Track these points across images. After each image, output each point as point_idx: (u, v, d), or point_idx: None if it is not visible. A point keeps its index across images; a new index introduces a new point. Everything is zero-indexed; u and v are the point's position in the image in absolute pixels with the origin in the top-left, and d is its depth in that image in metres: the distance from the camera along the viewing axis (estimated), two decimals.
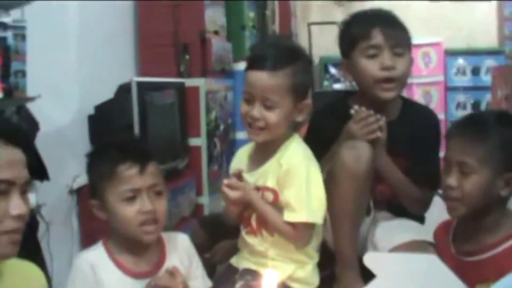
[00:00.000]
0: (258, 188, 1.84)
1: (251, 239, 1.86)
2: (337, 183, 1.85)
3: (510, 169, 1.77)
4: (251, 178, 1.86)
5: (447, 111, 6.15)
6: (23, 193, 1.37)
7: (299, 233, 1.78)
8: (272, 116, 1.77)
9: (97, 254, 1.72)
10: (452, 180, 1.79)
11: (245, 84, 1.84)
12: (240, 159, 1.96)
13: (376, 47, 1.99)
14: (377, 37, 1.99)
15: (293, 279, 1.82)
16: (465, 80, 6.20)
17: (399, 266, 1.47)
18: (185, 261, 1.78)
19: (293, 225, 1.77)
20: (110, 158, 1.69)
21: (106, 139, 2.72)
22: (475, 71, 6.19)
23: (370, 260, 1.51)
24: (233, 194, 1.81)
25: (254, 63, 1.81)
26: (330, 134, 2.00)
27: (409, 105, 2.16)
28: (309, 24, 5.63)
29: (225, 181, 1.84)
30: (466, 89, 6.19)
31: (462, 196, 1.78)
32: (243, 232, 1.90)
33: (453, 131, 1.88)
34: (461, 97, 6.20)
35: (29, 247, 2.36)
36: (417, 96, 5.99)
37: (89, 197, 1.76)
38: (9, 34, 2.16)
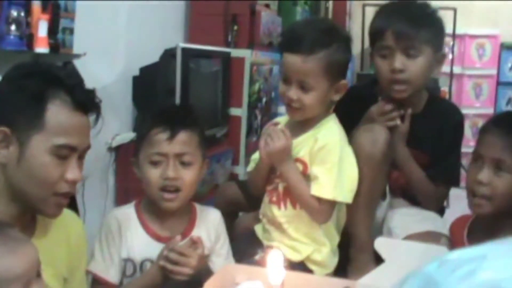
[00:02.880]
0: None
1: (274, 209, 1.90)
2: None
3: None
4: None
5: (496, 106, 6.01)
6: (80, 157, 1.42)
7: (322, 209, 1.82)
8: (308, 98, 1.80)
9: (127, 212, 1.78)
10: (484, 176, 1.75)
11: (282, 64, 1.87)
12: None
13: (388, 48, 1.96)
14: (389, 39, 1.95)
15: (311, 261, 1.86)
16: None
17: (408, 253, 1.49)
18: (212, 236, 1.80)
19: (318, 199, 1.80)
20: (150, 121, 1.77)
21: (148, 101, 2.82)
22: None
23: (381, 245, 1.54)
24: (278, 142, 1.81)
25: (290, 45, 1.82)
26: (354, 117, 2.01)
27: (434, 100, 2.13)
28: (364, 5, 5.55)
29: (271, 127, 1.86)
30: None
31: (491, 194, 1.74)
32: (266, 200, 1.94)
33: (491, 126, 1.82)
34: None
35: None
36: (467, 88, 5.87)
37: (133, 155, 1.82)
38: None
